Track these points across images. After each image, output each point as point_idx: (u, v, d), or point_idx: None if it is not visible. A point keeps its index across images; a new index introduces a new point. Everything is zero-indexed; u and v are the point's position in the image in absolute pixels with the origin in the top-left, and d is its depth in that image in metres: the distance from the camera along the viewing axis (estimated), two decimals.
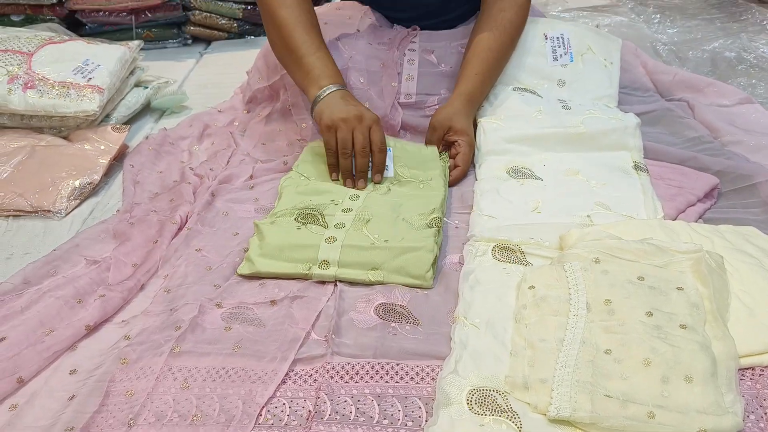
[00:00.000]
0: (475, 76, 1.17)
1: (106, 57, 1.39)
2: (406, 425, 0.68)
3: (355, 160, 1.05)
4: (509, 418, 0.66)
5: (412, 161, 1.10)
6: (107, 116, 1.38)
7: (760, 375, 0.71)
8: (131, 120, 1.44)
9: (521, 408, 0.67)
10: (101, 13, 1.83)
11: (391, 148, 1.10)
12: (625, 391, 0.66)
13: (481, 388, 0.69)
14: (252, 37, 1.95)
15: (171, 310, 0.84)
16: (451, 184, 1.09)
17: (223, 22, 1.91)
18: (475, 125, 1.17)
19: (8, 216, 1.11)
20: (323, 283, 0.88)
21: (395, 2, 1.34)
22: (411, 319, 0.81)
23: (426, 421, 0.68)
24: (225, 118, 1.39)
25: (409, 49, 1.30)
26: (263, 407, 0.70)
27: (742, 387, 0.70)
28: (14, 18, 1.82)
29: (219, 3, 1.88)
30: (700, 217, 0.97)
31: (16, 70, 1.31)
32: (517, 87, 1.24)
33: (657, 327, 0.71)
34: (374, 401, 0.70)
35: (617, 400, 0.65)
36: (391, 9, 1.37)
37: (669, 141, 1.18)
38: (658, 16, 2.01)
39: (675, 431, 0.62)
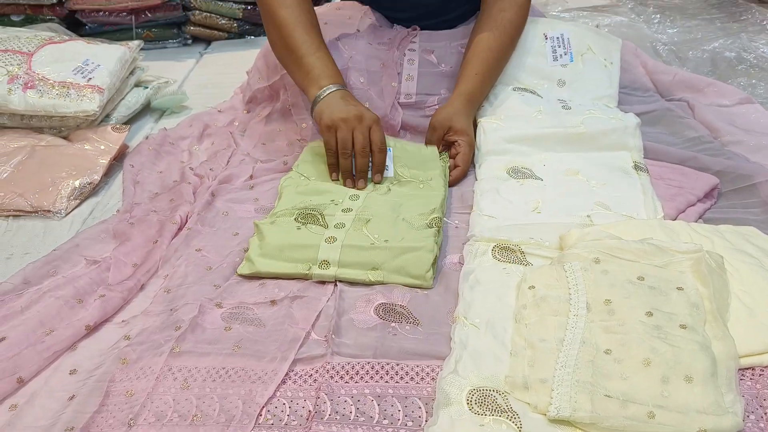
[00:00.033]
0: (475, 76, 1.17)
1: (106, 57, 1.39)
2: (406, 425, 0.68)
3: (355, 160, 1.05)
4: (509, 418, 0.66)
5: (412, 161, 1.10)
6: (107, 116, 1.38)
7: (760, 375, 0.71)
8: (131, 120, 1.44)
9: (521, 408, 0.67)
10: (101, 13, 1.83)
11: (391, 148, 1.10)
12: (625, 391, 0.66)
13: (481, 388, 0.69)
14: (252, 37, 1.95)
15: (171, 310, 0.84)
16: (451, 184, 1.09)
17: (223, 22, 1.91)
18: (475, 125, 1.17)
19: (8, 216, 1.11)
20: (323, 283, 0.88)
21: (395, 2, 1.34)
22: (411, 319, 0.81)
23: (426, 421, 0.68)
24: (225, 118, 1.39)
25: (409, 49, 1.30)
26: (263, 407, 0.70)
27: (742, 387, 0.70)
28: (14, 18, 1.82)
29: (219, 3, 1.88)
30: (700, 217, 0.97)
31: (16, 70, 1.31)
32: (517, 87, 1.24)
33: (657, 327, 0.71)
34: (374, 401, 0.70)
35: (617, 400, 0.65)
36: (391, 9, 1.37)
37: (669, 141, 1.18)
38: (658, 16, 2.01)
39: (675, 431, 0.62)
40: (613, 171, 1.06)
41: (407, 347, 0.77)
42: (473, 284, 0.83)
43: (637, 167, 1.06)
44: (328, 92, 1.08)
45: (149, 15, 1.86)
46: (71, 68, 1.34)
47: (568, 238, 0.87)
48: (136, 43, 1.51)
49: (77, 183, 1.16)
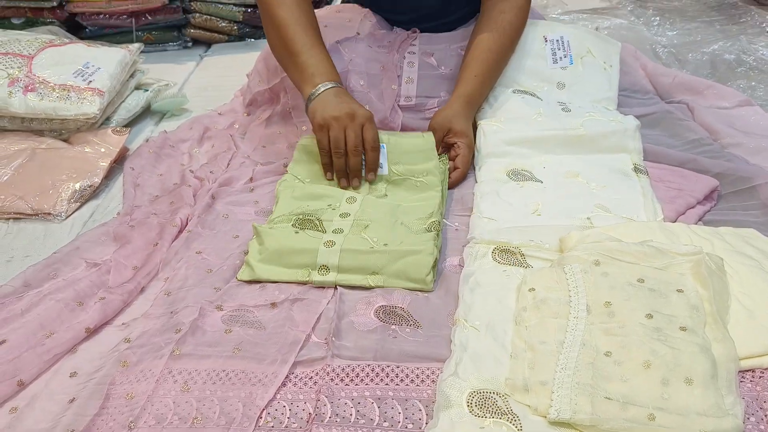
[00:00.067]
0: (474, 77, 1.17)
1: (107, 60, 1.40)
2: (406, 428, 0.68)
3: (347, 159, 1.04)
4: (509, 420, 0.66)
5: (406, 156, 1.09)
6: (107, 119, 1.38)
7: (760, 377, 0.71)
8: (131, 123, 1.44)
9: (521, 410, 0.67)
10: (101, 16, 1.83)
11: (384, 145, 1.09)
12: (625, 394, 0.66)
13: (482, 391, 0.69)
14: (252, 39, 1.95)
15: (171, 312, 0.84)
16: (451, 186, 1.09)
17: (223, 24, 1.91)
18: (475, 127, 1.17)
19: (9, 219, 1.11)
20: (323, 285, 0.88)
21: (395, 4, 1.35)
22: (411, 322, 0.81)
23: (426, 423, 0.68)
24: (225, 120, 1.39)
25: (408, 52, 1.30)
26: (263, 410, 0.70)
27: (743, 389, 0.70)
28: (15, 21, 1.82)
29: (219, 6, 1.88)
30: (699, 219, 0.97)
31: (17, 73, 1.31)
32: (517, 89, 1.24)
33: (657, 329, 0.71)
34: (374, 404, 0.70)
35: (617, 403, 0.65)
36: (391, 11, 1.37)
37: (669, 143, 1.18)
38: (658, 18, 2.01)
39: None
40: (613, 173, 1.06)
41: (407, 350, 0.77)
42: (473, 286, 0.83)
43: (636, 169, 1.06)
44: (322, 90, 1.07)
45: (149, 18, 1.86)
46: (72, 71, 1.34)
47: (568, 241, 0.87)
48: (136, 45, 1.51)
49: (77, 186, 1.16)
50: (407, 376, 0.74)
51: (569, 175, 1.06)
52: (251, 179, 1.17)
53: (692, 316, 0.73)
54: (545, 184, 1.04)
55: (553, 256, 0.88)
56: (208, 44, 1.96)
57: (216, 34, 1.94)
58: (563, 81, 1.25)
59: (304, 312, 0.83)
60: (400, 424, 0.68)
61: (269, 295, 0.87)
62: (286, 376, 0.74)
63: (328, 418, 0.68)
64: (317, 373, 0.75)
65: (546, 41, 1.29)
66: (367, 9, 1.39)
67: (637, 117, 1.16)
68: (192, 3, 1.87)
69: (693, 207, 0.99)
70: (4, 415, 0.72)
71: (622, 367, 0.68)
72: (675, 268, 0.79)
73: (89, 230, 1.05)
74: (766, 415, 0.67)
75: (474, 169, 1.13)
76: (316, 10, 1.22)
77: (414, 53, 1.30)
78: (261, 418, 0.70)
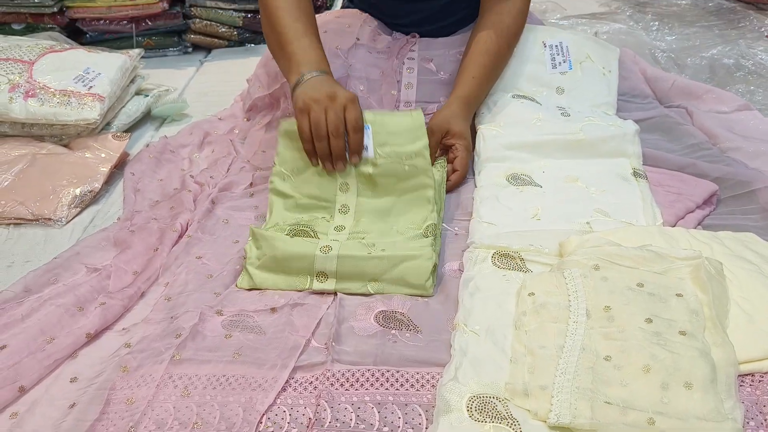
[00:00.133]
0: (472, 79, 1.17)
1: (107, 65, 1.40)
2: None
3: (330, 143, 0.98)
4: (509, 425, 0.66)
5: (393, 136, 1.02)
6: (108, 124, 1.39)
7: (759, 381, 0.71)
8: (132, 128, 1.44)
9: (521, 415, 0.67)
10: (102, 22, 1.83)
11: (369, 126, 1.01)
12: (625, 398, 0.66)
13: (481, 395, 0.69)
14: (252, 45, 1.96)
15: (171, 317, 0.84)
16: (450, 188, 1.08)
17: (223, 30, 1.91)
18: (474, 132, 1.17)
19: (9, 224, 1.12)
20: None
21: (395, 8, 1.35)
22: (411, 327, 0.81)
23: (426, 428, 0.68)
24: (225, 125, 1.40)
25: (408, 58, 1.30)
26: (263, 415, 0.70)
27: (742, 393, 0.70)
28: (15, 27, 1.83)
29: (219, 11, 1.88)
30: (699, 224, 0.98)
31: (18, 78, 1.32)
32: (517, 94, 1.24)
33: (656, 333, 0.71)
34: (374, 408, 0.70)
35: (617, 407, 0.65)
36: (391, 15, 1.37)
37: (668, 148, 1.18)
38: (657, 23, 2.02)
39: None
40: (612, 178, 1.06)
41: (407, 354, 0.77)
42: (473, 291, 0.83)
43: (636, 174, 1.06)
44: (307, 77, 1.02)
45: (150, 23, 1.86)
46: (72, 77, 1.35)
47: (568, 245, 0.88)
48: (136, 51, 1.52)
49: (78, 191, 1.16)
50: (407, 380, 0.74)
51: (569, 180, 1.06)
52: (251, 184, 1.17)
53: (692, 321, 0.73)
54: (545, 189, 1.04)
55: (553, 261, 0.88)
56: (208, 49, 1.97)
57: (216, 40, 1.94)
58: (562, 86, 1.26)
59: (304, 317, 0.83)
60: (400, 429, 0.68)
61: (269, 300, 0.87)
62: (286, 381, 0.74)
63: (328, 423, 0.68)
64: (317, 378, 0.75)
65: (545, 46, 1.29)
66: (367, 14, 1.39)
67: (637, 121, 1.16)
68: (192, 8, 1.88)
69: (692, 211, 0.99)
70: (5, 420, 0.72)
71: (621, 372, 0.68)
72: (674, 273, 0.79)
73: (89, 235, 1.05)
74: (765, 420, 0.67)
75: (474, 173, 1.13)
76: (316, 15, 1.22)
77: (413, 59, 1.30)
78: (261, 423, 0.70)
